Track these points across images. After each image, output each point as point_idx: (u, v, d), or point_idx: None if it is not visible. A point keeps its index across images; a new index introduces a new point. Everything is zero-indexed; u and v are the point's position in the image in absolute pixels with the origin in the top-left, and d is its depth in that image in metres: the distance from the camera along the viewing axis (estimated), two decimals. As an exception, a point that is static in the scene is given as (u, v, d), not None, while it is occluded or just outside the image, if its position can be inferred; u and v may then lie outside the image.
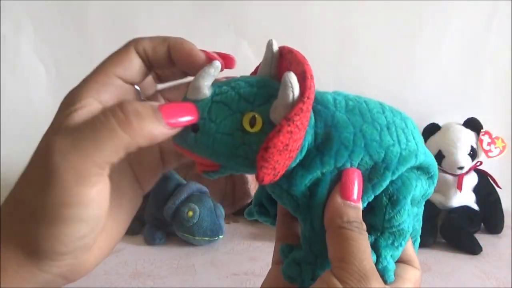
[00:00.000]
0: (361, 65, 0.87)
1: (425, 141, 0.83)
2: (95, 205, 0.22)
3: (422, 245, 0.70)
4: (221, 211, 0.70)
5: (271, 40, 0.27)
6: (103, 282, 0.57)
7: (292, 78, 0.23)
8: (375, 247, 0.26)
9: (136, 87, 0.28)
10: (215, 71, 0.24)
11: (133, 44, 0.27)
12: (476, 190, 0.79)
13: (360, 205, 0.26)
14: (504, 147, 0.78)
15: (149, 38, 0.27)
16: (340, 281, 0.23)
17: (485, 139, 0.78)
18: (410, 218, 0.28)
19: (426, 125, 0.83)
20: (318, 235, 0.26)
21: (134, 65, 0.26)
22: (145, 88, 0.30)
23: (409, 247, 0.30)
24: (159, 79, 0.31)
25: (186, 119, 0.23)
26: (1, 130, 0.78)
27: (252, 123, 0.23)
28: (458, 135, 0.77)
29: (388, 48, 0.86)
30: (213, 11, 0.84)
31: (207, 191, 0.71)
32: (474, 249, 0.67)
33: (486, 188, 0.79)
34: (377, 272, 0.24)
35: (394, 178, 0.27)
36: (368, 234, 0.26)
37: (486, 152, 0.77)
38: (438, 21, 0.85)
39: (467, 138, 0.77)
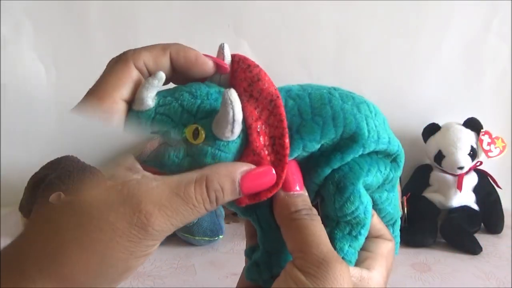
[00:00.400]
0: (361, 65, 0.87)
1: (425, 141, 0.83)
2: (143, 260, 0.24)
3: (422, 245, 0.70)
4: (221, 211, 0.70)
5: (223, 44, 0.27)
6: (103, 282, 0.57)
7: (232, 95, 0.23)
8: (330, 239, 0.26)
9: None
10: (159, 82, 0.24)
11: (132, 58, 0.25)
12: (476, 190, 0.79)
13: (305, 193, 0.26)
14: (504, 147, 0.78)
15: (147, 49, 0.25)
16: (301, 271, 0.23)
17: (485, 139, 0.77)
18: (365, 204, 0.27)
19: (426, 125, 0.83)
20: (267, 233, 0.27)
21: (136, 85, 0.25)
22: None
23: (377, 222, 0.30)
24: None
25: (266, 187, 0.25)
26: (1, 130, 0.78)
27: (195, 135, 0.24)
28: (458, 135, 0.77)
29: (388, 48, 0.86)
30: (213, 11, 0.84)
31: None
32: (474, 249, 0.67)
33: (486, 188, 0.79)
34: (336, 254, 0.24)
35: (340, 164, 0.27)
36: (325, 226, 0.26)
37: (486, 152, 0.77)
38: (438, 21, 0.85)
39: (467, 138, 0.77)
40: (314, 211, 0.25)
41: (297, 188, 0.26)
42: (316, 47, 0.86)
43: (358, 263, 0.27)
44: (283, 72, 0.88)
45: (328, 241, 0.24)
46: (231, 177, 0.23)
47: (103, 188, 0.22)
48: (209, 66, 0.26)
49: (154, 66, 0.25)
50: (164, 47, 0.26)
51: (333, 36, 0.86)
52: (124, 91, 0.24)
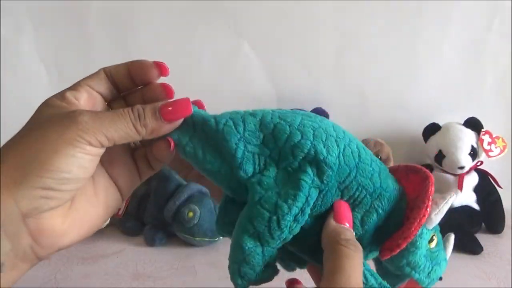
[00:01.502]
0: (361, 65, 0.87)
1: (426, 141, 0.83)
2: (86, 163, 0.27)
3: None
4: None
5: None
6: (103, 283, 0.57)
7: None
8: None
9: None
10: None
11: (103, 68, 0.32)
12: (476, 189, 0.79)
13: (353, 231, 0.29)
14: (504, 147, 0.78)
15: (115, 65, 0.33)
16: None
17: (486, 138, 0.77)
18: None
19: (426, 125, 0.83)
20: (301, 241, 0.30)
21: (102, 81, 0.31)
22: (116, 108, 0.34)
23: None
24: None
25: (183, 113, 0.30)
26: (1, 130, 0.78)
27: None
28: (459, 135, 0.77)
29: (388, 48, 0.86)
30: (213, 12, 0.84)
31: (208, 192, 0.71)
32: (475, 249, 0.67)
33: (486, 187, 0.79)
34: None
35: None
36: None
37: (486, 151, 0.77)
38: (438, 21, 0.85)
39: (468, 138, 0.77)
40: (360, 247, 0.27)
41: (347, 224, 0.28)
42: (317, 47, 0.86)
43: None
44: (283, 72, 0.88)
45: (361, 276, 0.26)
46: (152, 105, 0.30)
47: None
48: (150, 63, 0.33)
49: (114, 72, 0.32)
50: (126, 62, 0.33)
51: (333, 37, 0.86)
52: (89, 81, 0.31)
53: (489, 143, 0.77)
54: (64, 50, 0.85)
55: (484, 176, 0.79)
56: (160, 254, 0.66)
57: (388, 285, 0.30)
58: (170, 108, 0.30)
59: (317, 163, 0.28)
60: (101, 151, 0.28)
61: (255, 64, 0.86)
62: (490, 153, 0.77)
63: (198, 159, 0.30)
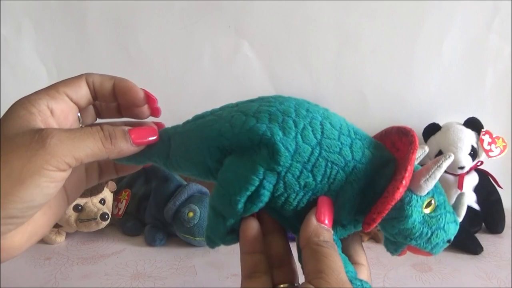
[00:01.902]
0: (361, 65, 0.87)
1: (426, 141, 0.83)
2: (51, 190, 0.27)
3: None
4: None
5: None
6: (103, 283, 0.57)
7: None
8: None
9: (78, 114, 0.33)
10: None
11: (85, 75, 0.32)
12: (477, 190, 0.79)
13: (331, 230, 0.30)
14: (504, 147, 0.78)
15: (99, 74, 0.32)
16: None
17: (486, 138, 0.77)
18: None
19: (426, 125, 0.83)
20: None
21: (81, 89, 0.31)
22: (86, 116, 0.35)
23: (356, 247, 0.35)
24: (98, 115, 0.36)
25: (150, 139, 0.32)
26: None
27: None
28: (459, 135, 0.77)
29: (388, 48, 0.86)
30: (213, 12, 0.84)
31: (208, 192, 0.71)
32: (475, 249, 0.67)
33: (487, 188, 0.79)
34: (351, 286, 0.27)
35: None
36: None
37: (486, 151, 0.77)
38: (438, 21, 0.85)
39: (468, 137, 0.77)
40: (336, 247, 0.29)
41: (327, 222, 0.29)
42: (317, 47, 0.86)
43: None
44: (283, 72, 0.88)
45: (345, 274, 0.27)
46: (121, 128, 0.31)
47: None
48: (140, 94, 0.33)
49: (99, 85, 0.32)
50: (112, 76, 0.32)
51: (333, 36, 0.86)
52: (68, 88, 0.31)
53: (489, 143, 0.77)
54: (64, 50, 0.85)
55: (484, 176, 0.79)
56: (160, 254, 0.66)
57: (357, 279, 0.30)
58: (138, 134, 0.31)
59: (272, 145, 0.28)
60: (68, 173, 0.28)
61: (255, 64, 0.86)
62: (490, 153, 0.77)
63: (179, 171, 0.33)
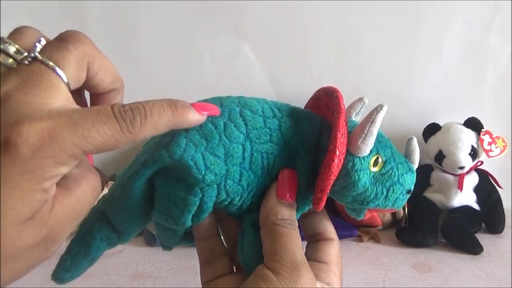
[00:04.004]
0: (361, 65, 0.87)
1: (426, 141, 0.83)
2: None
3: (423, 245, 0.70)
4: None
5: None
6: (103, 282, 0.57)
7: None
8: None
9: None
10: None
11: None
12: (477, 190, 0.79)
13: (295, 203, 0.28)
14: (504, 147, 0.78)
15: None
16: (273, 272, 0.25)
17: (486, 138, 0.77)
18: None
19: (426, 125, 0.83)
20: (249, 237, 0.30)
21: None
22: None
23: (316, 221, 0.33)
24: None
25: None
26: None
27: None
28: (459, 135, 0.77)
29: (388, 48, 0.86)
30: (214, 12, 0.84)
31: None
32: (475, 249, 0.67)
33: (487, 188, 0.79)
34: (307, 263, 0.26)
35: None
36: None
37: (486, 151, 0.77)
38: (438, 21, 0.85)
39: (468, 137, 0.77)
40: (296, 223, 0.28)
41: (288, 197, 0.28)
42: (317, 47, 0.86)
43: (315, 277, 0.29)
44: (283, 72, 0.88)
45: (302, 252, 0.27)
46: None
47: None
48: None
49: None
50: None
51: (333, 37, 0.86)
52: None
53: (489, 143, 0.77)
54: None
55: (484, 176, 0.79)
56: (160, 254, 0.66)
57: None
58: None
59: (187, 168, 0.26)
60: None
61: (255, 64, 0.86)
62: (490, 153, 0.77)
63: (130, 232, 0.31)
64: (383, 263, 0.63)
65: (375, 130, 0.27)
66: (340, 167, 0.27)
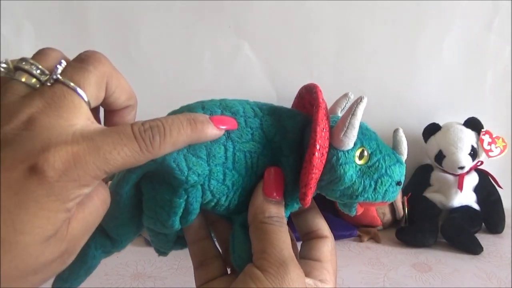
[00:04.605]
0: (361, 65, 0.87)
1: (426, 141, 0.83)
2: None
3: (423, 245, 0.70)
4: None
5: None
6: (103, 283, 0.57)
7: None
8: None
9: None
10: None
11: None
12: (477, 190, 0.79)
13: (282, 201, 0.28)
14: (504, 147, 0.78)
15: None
16: (261, 270, 0.25)
17: (486, 138, 0.77)
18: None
19: (426, 125, 0.83)
20: (239, 238, 0.30)
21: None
22: None
23: (310, 218, 0.33)
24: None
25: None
26: (1, 131, 0.78)
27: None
28: (459, 135, 0.77)
29: (388, 48, 0.86)
30: (214, 12, 0.84)
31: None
32: (475, 249, 0.67)
33: (487, 188, 0.79)
34: (295, 259, 0.26)
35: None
36: None
37: (486, 151, 0.77)
38: (438, 21, 0.85)
39: (468, 138, 0.77)
40: (285, 220, 0.28)
41: (275, 194, 0.28)
42: (317, 47, 0.86)
43: (309, 275, 0.29)
44: (284, 72, 0.88)
45: (291, 249, 0.26)
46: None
47: None
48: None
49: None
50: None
51: (333, 36, 0.86)
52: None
53: (489, 143, 0.77)
54: (64, 50, 0.84)
55: (484, 176, 0.79)
56: (160, 254, 0.66)
57: None
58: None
59: (170, 169, 0.26)
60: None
61: (255, 64, 0.86)
62: (490, 153, 0.77)
63: (124, 239, 0.32)
64: (383, 263, 0.63)
65: (356, 122, 0.27)
66: (323, 161, 0.27)
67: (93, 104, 0.24)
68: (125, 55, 0.84)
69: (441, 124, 0.82)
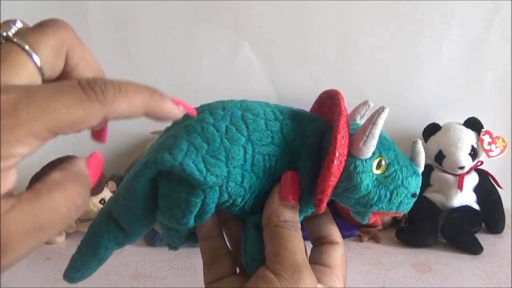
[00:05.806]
0: (361, 65, 0.87)
1: (426, 141, 0.83)
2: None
3: (423, 245, 0.70)
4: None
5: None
6: (103, 283, 0.57)
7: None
8: None
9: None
10: None
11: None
12: (477, 190, 0.79)
13: (297, 205, 0.28)
14: (504, 147, 0.78)
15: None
16: (274, 273, 0.25)
17: (486, 138, 0.77)
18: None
19: (426, 125, 0.83)
20: (252, 239, 0.30)
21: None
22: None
23: (321, 224, 0.33)
24: None
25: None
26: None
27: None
28: (459, 135, 0.77)
29: (388, 48, 0.86)
30: (214, 12, 0.84)
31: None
32: (475, 249, 0.67)
33: (487, 188, 0.79)
34: (309, 265, 0.26)
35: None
36: None
37: (486, 151, 0.77)
38: (438, 21, 0.85)
39: (468, 138, 0.77)
40: (299, 225, 0.28)
41: (291, 199, 0.28)
42: (317, 47, 0.86)
43: (318, 280, 0.29)
44: (283, 72, 0.88)
45: (304, 253, 0.27)
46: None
47: None
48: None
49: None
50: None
51: (333, 37, 0.86)
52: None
53: (489, 143, 0.77)
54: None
55: (484, 176, 0.79)
56: (160, 254, 0.66)
57: None
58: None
59: (184, 171, 0.26)
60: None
61: (255, 64, 0.86)
62: (490, 153, 0.77)
63: (137, 232, 0.32)
64: (383, 263, 0.63)
65: (376, 132, 0.27)
66: (341, 169, 0.27)
67: (48, 72, 0.21)
68: (125, 56, 0.84)
69: (441, 124, 0.82)
